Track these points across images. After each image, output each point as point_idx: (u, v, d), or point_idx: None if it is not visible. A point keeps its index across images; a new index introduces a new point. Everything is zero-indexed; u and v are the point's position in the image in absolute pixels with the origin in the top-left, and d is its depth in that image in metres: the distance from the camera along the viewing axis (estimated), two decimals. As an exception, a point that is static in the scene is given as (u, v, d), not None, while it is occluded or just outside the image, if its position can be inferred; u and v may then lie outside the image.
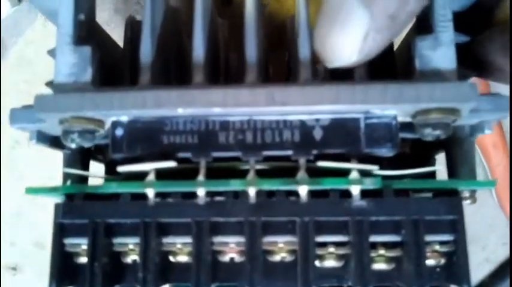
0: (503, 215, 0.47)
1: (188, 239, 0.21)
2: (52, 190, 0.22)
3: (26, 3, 0.46)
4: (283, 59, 0.30)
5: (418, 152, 0.24)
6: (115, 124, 0.21)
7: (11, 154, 0.46)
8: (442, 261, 0.22)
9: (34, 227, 0.46)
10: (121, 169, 0.21)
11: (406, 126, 0.21)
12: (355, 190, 0.20)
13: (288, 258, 0.22)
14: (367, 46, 0.18)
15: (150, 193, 0.21)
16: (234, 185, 0.20)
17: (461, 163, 0.22)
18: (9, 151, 0.46)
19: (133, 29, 0.26)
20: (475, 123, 0.22)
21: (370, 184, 0.20)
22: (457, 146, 0.22)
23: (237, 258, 0.22)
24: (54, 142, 0.23)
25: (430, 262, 0.22)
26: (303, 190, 0.20)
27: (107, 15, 0.46)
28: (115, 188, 0.21)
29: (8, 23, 0.47)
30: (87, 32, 0.21)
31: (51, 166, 0.42)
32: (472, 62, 0.23)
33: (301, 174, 0.20)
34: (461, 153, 0.22)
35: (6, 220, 0.46)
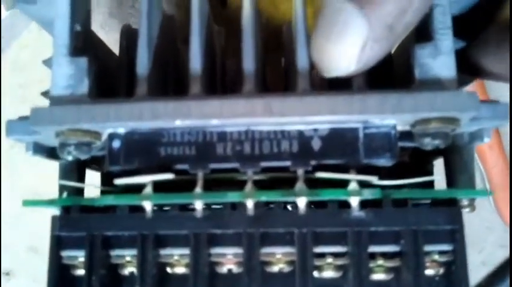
0: (499, 218, 0.47)
1: (186, 251, 0.21)
2: (49, 203, 0.22)
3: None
4: (280, 62, 0.30)
5: (416, 161, 0.24)
6: (112, 136, 0.21)
7: (6, 156, 0.46)
8: (441, 271, 0.22)
9: (28, 232, 0.45)
10: (118, 181, 0.20)
11: (405, 135, 0.21)
12: (354, 201, 0.20)
13: (286, 269, 0.22)
14: (365, 56, 0.18)
15: (148, 205, 0.20)
16: (232, 197, 0.20)
17: (460, 171, 0.22)
18: (5, 153, 0.45)
19: (128, 37, 0.26)
20: (473, 130, 0.21)
21: (369, 194, 0.20)
22: (455, 154, 0.22)
23: (235, 269, 0.22)
24: (51, 153, 0.23)
25: (429, 271, 0.22)
26: (301, 202, 0.20)
27: (102, 19, 0.45)
28: (112, 200, 0.20)
29: (3, 26, 0.46)
30: (83, 42, 0.21)
31: (46, 170, 0.42)
32: (468, 65, 0.23)
33: (300, 185, 0.20)
34: (460, 161, 0.22)
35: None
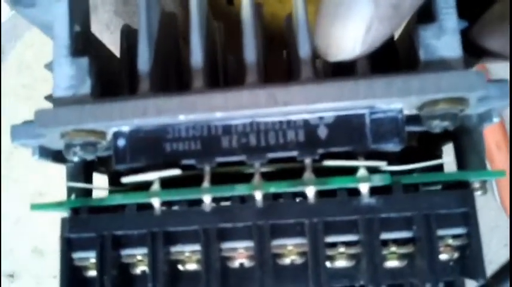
0: (505, 217, 0.47)
1: (196, 247, 0.21)
2: (57, 205, 0.22)
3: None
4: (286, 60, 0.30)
5: (425, 145, 0.23)
6: (117, 135, 0.20)
7: (9, 158, 0.46)
8: (456, 255, 0.21)
9: (32, 234, 0.45)
10: (125, 179, 0.20)
11: (413, 119, 0.20)
12: (364, 187, 0.20)
13: (298, 261, 0.22)
14: (371, 37, 0.18)
15: (156, 202, 0.20)
16: (240, 190, 0.20)
17: (470, 153, 0.22)
18: (8, 155, 0.45)
19: (129, 38, 0.26)
20: (482, 111, 0.21)
21: (378, 180, 0.19)
22: (465, 136, 0.22)
23: (247, 263, 0.22)
24: (57, 156, 0.23)
25: (443, 256, 0.21)
26: (310, 191, 0.20)
27: (107, 18, 0.45)
28: (120, 199, 0.20)
29: (7, 27, 0.46)
30: (83, 43, 0.21)
31: (49, 172, 0.42)
32: (471, 45, 0.23)
33: (308, 175, 0.20)
34: (470, 143, 0.22)
35: (3, 226, 0.46)
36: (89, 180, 0.24)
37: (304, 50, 0.20)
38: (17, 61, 0.48)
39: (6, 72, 0.47)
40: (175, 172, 0.20)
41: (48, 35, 0.23)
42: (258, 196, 0.20)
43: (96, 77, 0.20)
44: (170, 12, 0.25)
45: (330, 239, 0.21)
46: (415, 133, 0.22)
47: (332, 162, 0.19)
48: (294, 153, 0.20)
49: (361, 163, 0.19)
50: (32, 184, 0.45)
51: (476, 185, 0.22)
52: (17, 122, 0.21)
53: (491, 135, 0.48)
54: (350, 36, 0.18)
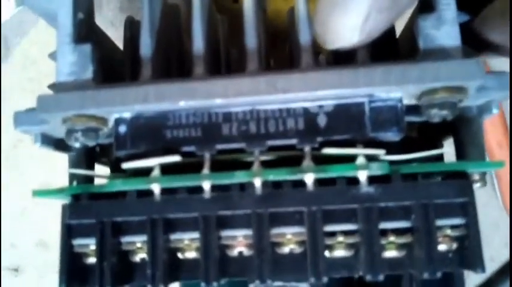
0: (507, 216, 0.47)
1: (196, 235, 0.21)
2: (58, 192, 0.22)
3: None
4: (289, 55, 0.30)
5: (425, 137, 0.23)
6: (118, 121, 0.21)
7: (13, 152, 0.46)
8: (454, 246, 0.21)
9: (36, 227, 0.45)
10: (126, 165, 0.20)
11: (412, 110, 0.20)
12: (362, 175, 0.20)
13: (297, 250, 0.22)
14: (368, 27, 0.18)
15: (156, 188, 0.20)
16: (239, 176, 0.20)
17: (470, 145, 0.22)
18: (12, 149, 0.46)
19: (132, 28, 0.26)
20: (482, 103, 0.21)
21: (377, 168, 0.19)
22: (465, 128, 0.22)
23: (246, 252, 0.22)
24: (59, 144, 0.23)
25: (442, 247, 0.21)
26: (309, 178, 0.20)
27: (112, 15, 0.46)
28: (120, 185, 0.20)
29: (12, 23, 0.47)
30: (86, 30, 0.21)
31: (53, 165, 0.42)
32: (472, 39, 0.23)
33: (307, 162, 0.20)
34: (470, 135, 0.22)
35: (7, 220, 0.46)
36: (90, 168, 0.24)
37: (304, 38, 0.20)
38: (22, 57, 0.48)
39: (12, 67, 0.48)
40: (175, 157, 0.20)
41: (52, 25, 0.23)
42: (258, 183, 0.20)
43: (98, 64, 0.20)
44: (173, 3, 0.25)
45: (329, 227, 0.21)
46: (415, 124, 0.22)
47: (331, 149, 0.20)
48: (294, 141, 0.20)
49: (359, 151, 0.20)
50: (36, 178, 0.45)
51: (476, 177, 0.22)
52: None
53: (493, 134, 0.48)
54: (348, 25, 0.18)
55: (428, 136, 0.24)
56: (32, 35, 0.48)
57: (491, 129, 0.48)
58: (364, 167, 0.19)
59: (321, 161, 0.20)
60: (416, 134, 0.23)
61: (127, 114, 0.20)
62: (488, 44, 0.23)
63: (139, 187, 0.21)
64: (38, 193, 0.22)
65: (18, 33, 0.48)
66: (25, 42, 0.49)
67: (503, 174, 0.48)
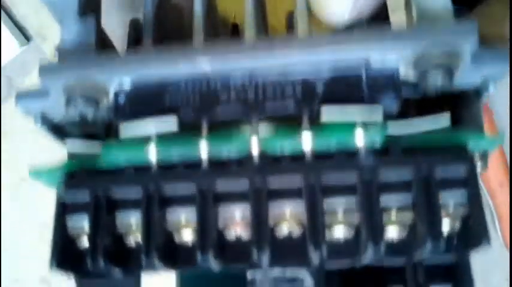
0: (507, 252, 0.46)
1: (192, 212, 0.21)
2: (55, 169, 0.22)
3: (34, 43, 0.48)
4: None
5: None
6: (118, 93, 0.21)
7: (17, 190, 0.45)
8: (457, 225, 0.21)
9: (40, 263, 0.44)
10: (123, 132, 0.20)
11: (410, 86, 0.21)
12: (360, 140, 0.19)
13: (297, 232, 0.21)
14: (359, 4, 0.19)
15: (152, 155, 0.20)
16: (237, 140, 0.20)
17: (469, 125, 0.22)
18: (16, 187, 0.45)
19: (136, 30, 0.26)
20: (479, 80, 0.21)
21: (374, 132, 0.19)
22: (463, 108, 0.22)
23: (244, 235, 0.21)
24: (58, 130, 0.23)
25: (445, 227, 0.21)
26: (306, 137, 0.19)
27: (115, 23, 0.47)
28: (115, 151, 0.20)
29: (16, 63, 0.48)
30: (89, 6, 0.22)
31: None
32: None
33: (305, 125, 0.20)
34: (469, 114, 0.22)
35: (11, 256, 0.45)
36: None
37: (300, 6, 0.21)
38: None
39: (14, 106, 0.48)
40: (172, 119, 0.20)
41: (54, 16, 0.24)
42: (255, 150, 0.20)
43: (100, 35, 0.21)
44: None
45: (328, 201, 0.20)
46: (412, 101, 0.22)
47: (328, 106, 0.19)
48: (291, 108, 0.20)
49: (356, 109, 0.19)
50: (43, 216, 0.45)
51: (477, 156, 0.22)
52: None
53: (494, 174, 0.49)
54: (339, 4, 0.19)
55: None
56: (35, 75, 0.50)
57: (493, 170, 0.48)
58: (361, 126, 0.19)
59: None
60: (415, 112, 0.23)
61: (127, 80, 0.20)
62: (489, 35, 0.23)
63: (135, 153, 0.20)
64: (33, 174, 0.22)
65: (22, 73, 0.49)
66: (28, 82, 0.49)
67: (503, 213, 0.48)
